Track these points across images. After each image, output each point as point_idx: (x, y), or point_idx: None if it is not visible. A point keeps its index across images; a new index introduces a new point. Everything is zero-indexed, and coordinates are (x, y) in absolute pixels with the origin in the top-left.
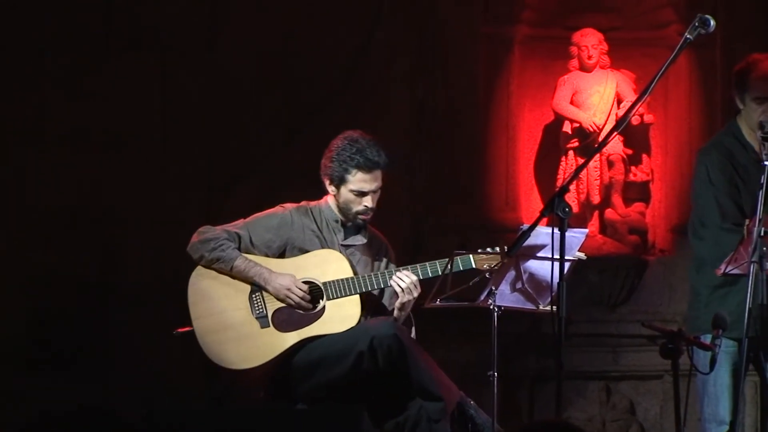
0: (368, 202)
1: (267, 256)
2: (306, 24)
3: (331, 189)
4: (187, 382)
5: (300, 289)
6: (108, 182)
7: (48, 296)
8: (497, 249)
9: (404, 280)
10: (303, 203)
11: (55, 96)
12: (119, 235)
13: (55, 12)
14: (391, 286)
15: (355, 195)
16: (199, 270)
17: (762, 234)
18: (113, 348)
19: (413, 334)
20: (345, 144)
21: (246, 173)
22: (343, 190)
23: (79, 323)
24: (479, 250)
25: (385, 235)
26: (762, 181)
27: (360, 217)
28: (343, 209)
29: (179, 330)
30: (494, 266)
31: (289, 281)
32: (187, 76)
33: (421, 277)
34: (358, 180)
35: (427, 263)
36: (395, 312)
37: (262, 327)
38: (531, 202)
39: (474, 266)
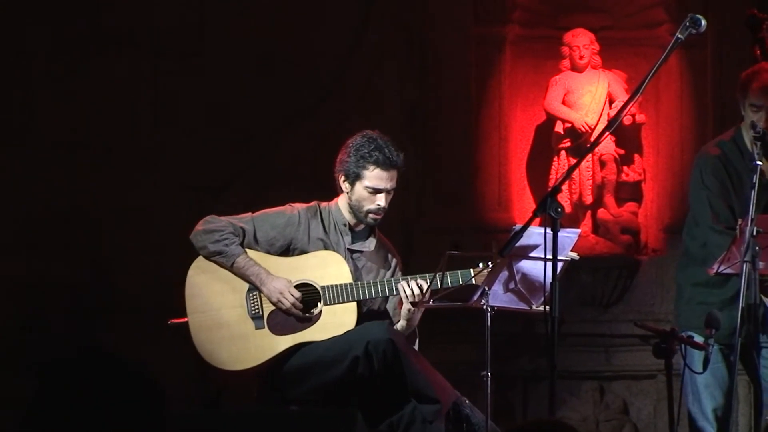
0: (381, 201)
1: (268, 253)
2: (295, 25)
3: (344, 186)
4: (179, 386)
5: (292, 295)
6: (97, 184)
7: (35, 302)
8: (489, 262)
9: (415, 290)
10: (314, 203)
11: (44, 97)
12: (109, 239)
13: (44, 12)
14: (396, 294)
15: (370, 192)
16: (199, 262)
17: (754, 234)
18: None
19: (416, 346)
20: (364, 141)
21: (236, 175)
22: (358, 186)
23: (69, 329)
24: (475, 255)
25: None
26: (754, 181)
27: (371, 216)
28: (355, 208)
29: (173, 321)
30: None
31: (283, 286)
32: (177, 78)
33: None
34: (374, 177)
35: (446, 272)
36: (401, 322)
37: (256, 328)
38: (523, 203)
39: (473, 281)
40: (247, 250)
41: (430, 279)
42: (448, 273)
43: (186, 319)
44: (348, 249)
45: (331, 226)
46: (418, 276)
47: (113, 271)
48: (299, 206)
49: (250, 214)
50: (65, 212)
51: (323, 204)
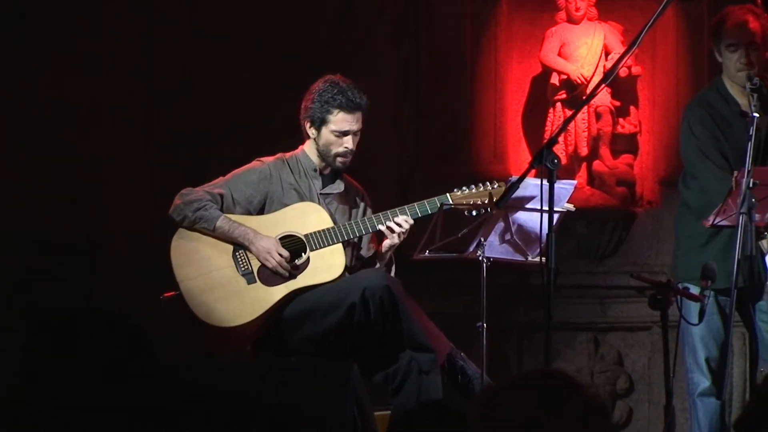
0: (349, 143)
1: (249, 212)
2: None
3: (311, 132)
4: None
5: (280, 254)
6: (91, 141)
7: (31, 259)
8: (481, 186)
9: (403, 225)
10: (278, 155)
11: (39, 53)
12: (103, 195)
13: None
14: (372, 232)
15: (336, 136)
16: (181, 232)
17: (750, 185)
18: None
19: (392, 273)
20: (326, 86)
21: (232, 130)
22: (324, 131)
23: (63, 288)
24: (470, 206)
25: (370, 191)
26: (750, 133)
27: (339, 159)
28: (323, 152)
29: (166, 295)
30: (480, 203)
31: (271, 244)
32: (173, 33)
33: (412, 219)
34: (339, 120)
35: (414, 204)
36: (383, 254)
37: (249, 283)
38: (519, 155)
39: (451, 203)
40: (228, 214)
41: (409, 209)
42: (426, 201)
43: (177, 293)
44: (320, 194)
45: (300, 173)
46: (397, 209)
47: (105, 225)
48: (267, 159)
49: (222, 178)
50: (58, 165)
51: (288, 154)
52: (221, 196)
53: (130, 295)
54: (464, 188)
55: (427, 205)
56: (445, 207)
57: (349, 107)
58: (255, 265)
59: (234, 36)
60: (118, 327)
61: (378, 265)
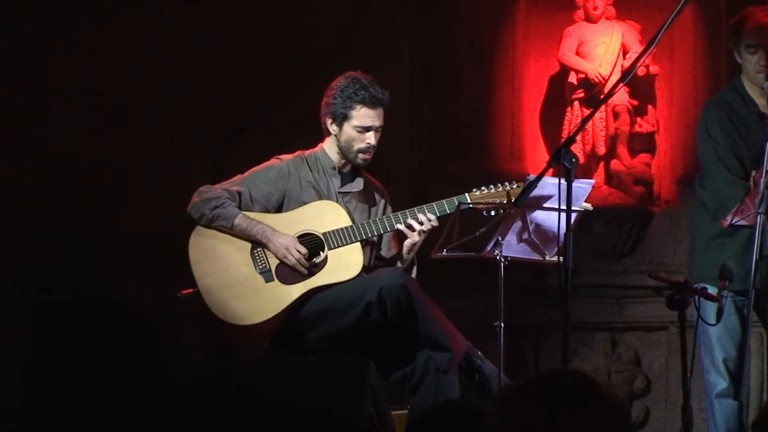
0: (371, 139)
1: (267, 210)
2: None
3: (332, 128)
4: (188, 342)
5: (298, 251)
6: (110, 135)
7: (46, 248)
8: (499, 187)
9: (424, 223)
10: (297, 153)
11: (55, 50)
12: (120, 187)
13: None
14: (390, 231)
15: (359, 131)
16: (199, 230)
17: None
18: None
19: (414, 274)
20: (348, 82)
21: (249, 125)
22: (346, 126)
23: (77, 277)
24: (488, 205)
25: (386, 186)
26: None
27: (361, 156)
28: (344, 149)
29: (183, 292)
30: (497, 203)
31: (290, 241)
32: (188, 27)
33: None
34: (362, 115)
35: (433, 203)
36: (404, 254)
37: (266, 281)
38: (536, 153)
39: (470, 202)
40: (245, 212)
41: (428, 209)
42: (444, 200)
43: (194, 290)
44: (339, 192)
45: (319, 171)
46: (416, 209)
47: (125, 220)
48: (285, 157)
49: (240, 176)
50: (72, 159)
51: (307, 152)
52: (239, 193)
53: (145, 292)
54: (483, 188)
55: (446, 205)
56: (463, 206)
57: (371, 102)
58: (273, 263)
59: (246, 33)
60: (121, 321)
61: (399, 265)
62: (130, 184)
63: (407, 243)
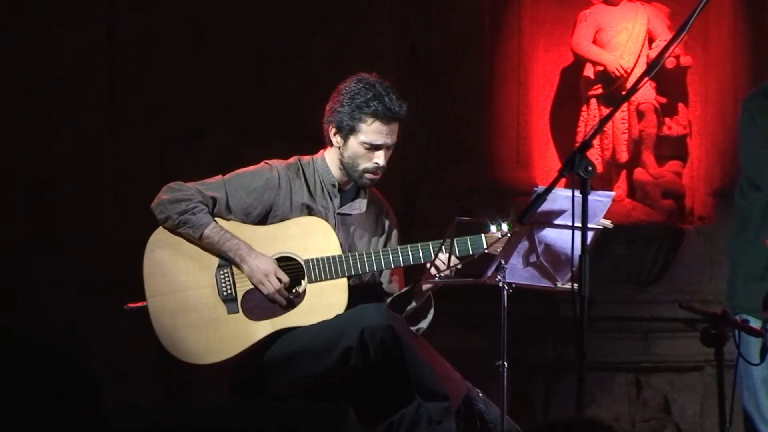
0: (380, 158)
1: (243, 222)
2: None
3: (336, 140)
4: (137, 371)
5: (279, 279)
6: (49, 140)
7: None
8: (509, 224)
9: (446, 265)
10: (294, 159)
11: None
12: (61, 203)
13: None
14: (387, 269)
15: (367, 149)
16: (159, 234)
17: None
18: (52, 331)
19: (431, 316)
20: (361, 87)
21: (206, 128)
22: (353, 141)
23: (16, 302)
24: (488, 220)
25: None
26: None
27: (367, 176)
28: (348, 166)
29: (130, 305)
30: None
31: (269, 266)
32: (137, 15)
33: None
34: (372, 131)
35: (454, 239)
36: (421, 293)
37: (229, 312)
38: (546, 160)
39: (486, 249)
40: (218, 219)
41: (434, 249)
42: (455, 240)
43: (144, 303)
44: (338, 214)
45: (317, 187)
46: (419, 244)
47: (64, 239)
48: (278, 164)
49: (220, 177)
50: (11, 170)
51: (305, 159)
52: (214, 200)
53: (87, 312)
54: (499, 231)
55: (457, 245)
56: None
57: (385, 117)
58: (241, 289)
59: (216, 13)
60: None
61: (414, 303)
62: (72, 190)
63: (425, 287)
